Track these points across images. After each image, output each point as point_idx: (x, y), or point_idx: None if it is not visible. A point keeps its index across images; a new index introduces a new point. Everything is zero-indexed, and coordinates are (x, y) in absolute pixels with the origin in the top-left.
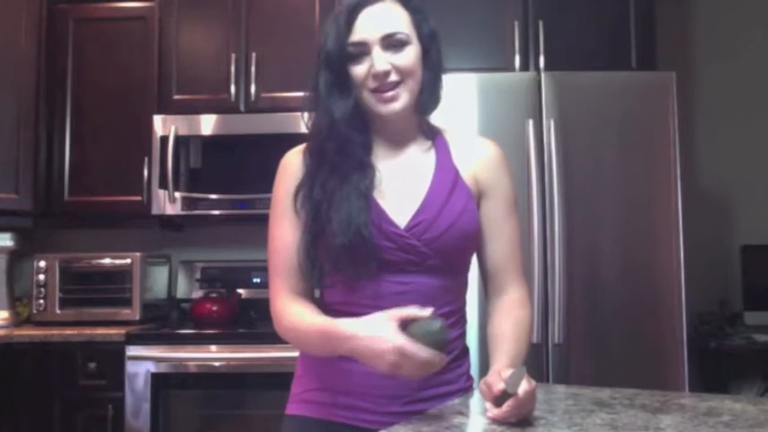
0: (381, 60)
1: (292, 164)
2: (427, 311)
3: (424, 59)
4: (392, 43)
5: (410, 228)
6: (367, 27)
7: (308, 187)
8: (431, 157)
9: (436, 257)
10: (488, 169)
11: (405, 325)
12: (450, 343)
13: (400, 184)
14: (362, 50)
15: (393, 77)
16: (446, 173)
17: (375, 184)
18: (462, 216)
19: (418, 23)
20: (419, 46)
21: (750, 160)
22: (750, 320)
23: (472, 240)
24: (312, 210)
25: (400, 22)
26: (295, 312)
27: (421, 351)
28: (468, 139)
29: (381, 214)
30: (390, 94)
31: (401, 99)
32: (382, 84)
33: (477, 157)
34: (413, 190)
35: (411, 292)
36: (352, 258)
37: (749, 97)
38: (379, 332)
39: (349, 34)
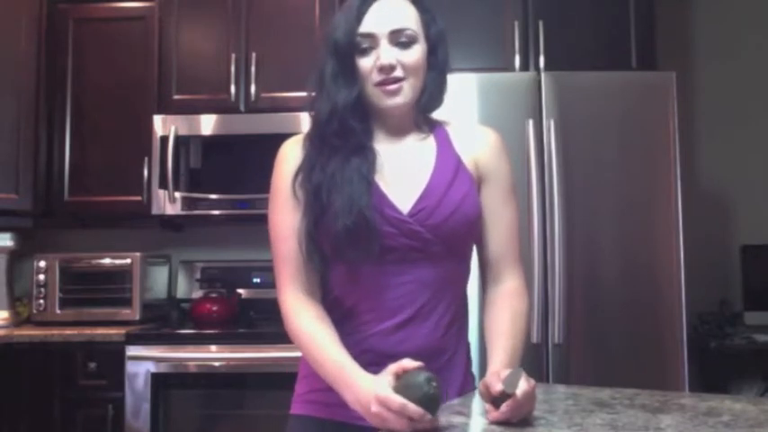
0: (388, 54)
1: (291, 151)
2: (415, 364)
3: (430, 59)
4: (400, 39)
5: (413, 214)
6: (376, 20)
7: (307, 170)
8: (431, 144)
9: (439, 244)
10: (488, 155)
11: (398, 377)
12: (440, 401)
13: (402, 171)
14: (370, 43)
15: (398, 73)
16: (448, 159)
17: (376, 168)
18: (465, 201)
19: (427, 23)
20: (426, 45)
21: (750, 160)
22: (750, 320)
23: (474, 226)
24: (312, 192)
25: (409, 19)
26: (307, 328)
27: (402, 404)
28: (468, 128)
29: (383, 199)
30: (394, 87)
31: (404, 93)
32: (386, 77)
33: (478, 144)
34: (414, 176)
35: (413, 281)
36: (353, 241)
37: (749, 97)
38: (371, 385)
39: (358, 25)
